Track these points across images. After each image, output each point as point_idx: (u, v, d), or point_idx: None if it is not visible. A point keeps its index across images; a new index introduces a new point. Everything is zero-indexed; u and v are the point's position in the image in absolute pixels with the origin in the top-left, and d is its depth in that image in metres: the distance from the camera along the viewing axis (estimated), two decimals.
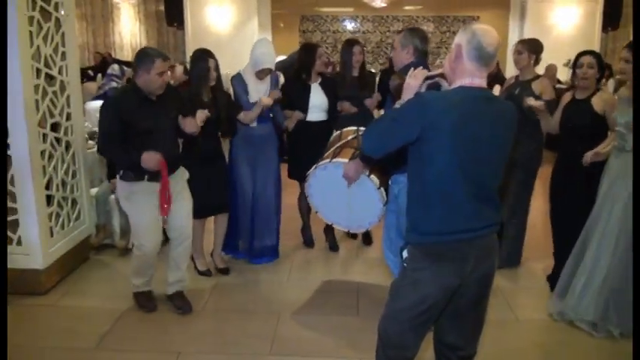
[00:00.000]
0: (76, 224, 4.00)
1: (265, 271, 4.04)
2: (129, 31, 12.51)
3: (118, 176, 3.20)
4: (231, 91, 3.94)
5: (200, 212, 3.69)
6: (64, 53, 3.76)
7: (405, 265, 2.04)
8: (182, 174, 3.38)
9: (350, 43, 4.29)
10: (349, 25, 12.47)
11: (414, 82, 2.18)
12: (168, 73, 3.22)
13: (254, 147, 3.98)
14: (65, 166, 3.84)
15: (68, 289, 3.74)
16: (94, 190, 4.37)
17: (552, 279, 3.60)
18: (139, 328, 3.26)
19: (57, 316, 3.39)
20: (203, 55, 3.63)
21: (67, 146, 3.88)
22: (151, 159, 3.01)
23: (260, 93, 3.89)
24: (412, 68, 2.26)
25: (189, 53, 9.40)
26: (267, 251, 4.18)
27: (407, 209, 2.04)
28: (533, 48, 3.84)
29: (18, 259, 3.52)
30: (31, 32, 3.37)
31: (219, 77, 3.67)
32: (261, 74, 3.87)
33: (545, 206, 3.94)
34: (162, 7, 11.38)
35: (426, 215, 1.95)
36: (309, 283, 3.85)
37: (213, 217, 3.96)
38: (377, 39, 12.29)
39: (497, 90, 5.51)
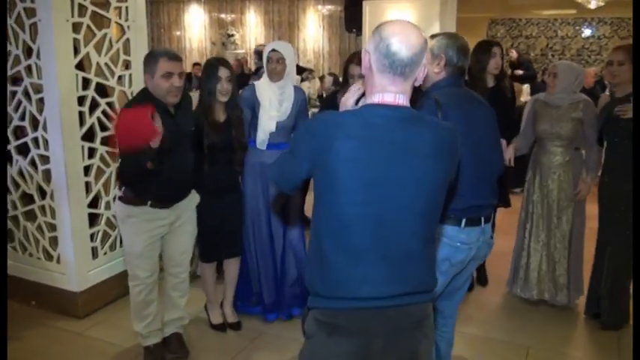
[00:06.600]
0: None
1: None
2: (312, 37, 12.57)
3: (117, 196, 2.81)
4: None
5: (210, 255, 3.17)
6: (127, 62, 3.49)
7: (304, 332, 1.62)
8: (192, 200, 2.91)
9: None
10: (548, 29, 10.65)
11: (350, 99, 1.70)
12: (177, 78, 2.56)
13: (264, 177, 3.17)
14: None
15: (106, 317, 3.44)
16: None
17: None
18: None
19: (74, 348, 3.11)
20: (214, 64, 2.96)
21: None
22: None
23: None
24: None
25: None
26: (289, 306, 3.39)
27: (306, 262, 1.68)
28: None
29: (56, 277, 3.37)
30: (77, 39, 3.14)
31: (233, 92, 2.99)
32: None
33: None
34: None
35: (321, 273, 1.52)
36: None
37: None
38: (578, 45, 10.32)
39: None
